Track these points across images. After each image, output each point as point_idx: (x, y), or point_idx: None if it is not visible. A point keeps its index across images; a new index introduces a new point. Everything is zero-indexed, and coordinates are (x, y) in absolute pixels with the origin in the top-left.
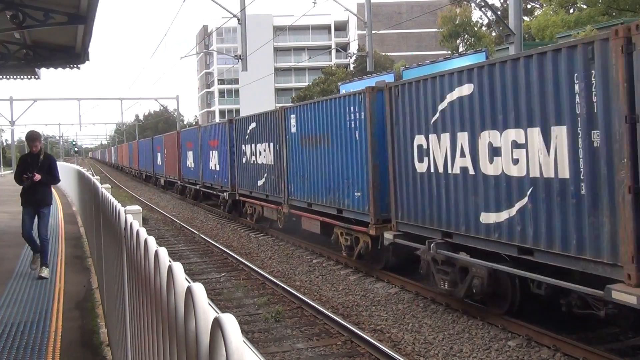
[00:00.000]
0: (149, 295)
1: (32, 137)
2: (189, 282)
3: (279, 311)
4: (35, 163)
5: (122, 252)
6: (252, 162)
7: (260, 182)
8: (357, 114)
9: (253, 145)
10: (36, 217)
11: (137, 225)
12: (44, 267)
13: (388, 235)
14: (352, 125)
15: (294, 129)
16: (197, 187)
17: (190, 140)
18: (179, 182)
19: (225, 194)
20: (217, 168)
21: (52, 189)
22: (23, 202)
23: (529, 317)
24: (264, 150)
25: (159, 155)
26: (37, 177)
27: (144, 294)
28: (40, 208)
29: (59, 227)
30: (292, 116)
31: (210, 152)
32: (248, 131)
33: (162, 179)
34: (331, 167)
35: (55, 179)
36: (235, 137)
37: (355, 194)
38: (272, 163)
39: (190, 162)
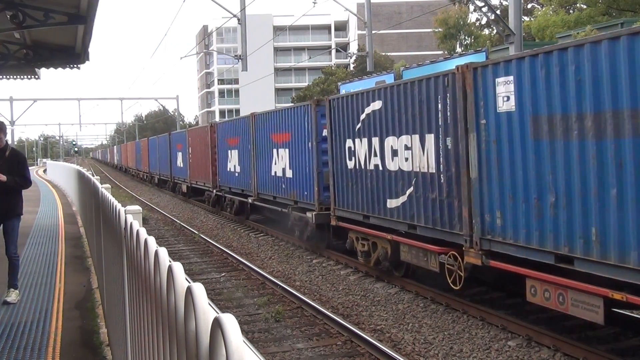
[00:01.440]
0: (149, 295)
1: None
2: (189, 282)
3: (279, 311)
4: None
5: (122, 252)
6: (371, 167)
7: (394, 202)
8: None
9: (375, 140)
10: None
11: (137, 225)
12: (11, 290)
13: None
14: None
15: (506, 105)
16: (249, 200)
17: (235, 134)
18: (213, 190)
19: (308, 214)
20: (288, 174)
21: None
22: None
23: (529, 317)
24: (406, 148)
25: (179, 155)
26: (1, 177)
27: (144, 294)
28: (7, 220)
29: (59, 227)
30: (500, 80)
31: (274, 150)
32: (362, 117)
33: (185, 184)
34: None
35: (27, 181)
36: (331, 127)
37: None
38: (432, 170)
39: (232, 164)
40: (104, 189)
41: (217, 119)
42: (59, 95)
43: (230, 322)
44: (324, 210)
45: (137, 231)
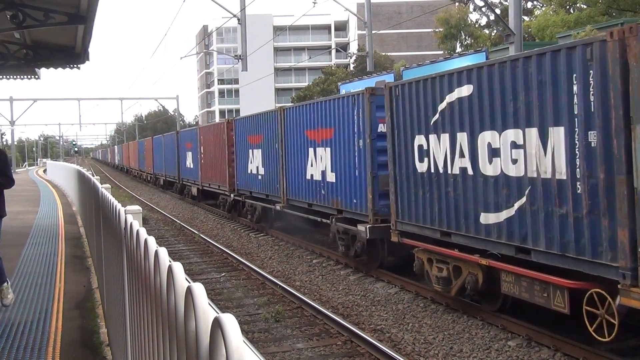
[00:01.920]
0: (149, 295)
1: None
2: (189, 282)
3: (279, 311)
4: None
5: (122, 252)
6: (454, 170)
7: (492, 217)
8: None
9: (462, 136)
10: None
11: (137, 225)
12: (3, 287)
13: None
14: None
15: None
16: (277, 207)
17: (257, 132)
18: (230, 194)
19: (360, 227)
20: (330, 178)
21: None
22: None
23: (529, 317)
24: (515, 146)
25: (189, 155)
26: None
27: (144, 294)
28: None
29: (59, 227)
30: None
31: (310, 150)
32: (441, 107)
33: (195, 187)
34: None
35: (10, 180)
36: (393, 121)
37: None
38: (560, 175)
39: (255, 165)
40: (104, 189)
41: (217, 119)
42: (59, 95)
43: (230, 322)
44: (380, 222)
45: (137, 231)
